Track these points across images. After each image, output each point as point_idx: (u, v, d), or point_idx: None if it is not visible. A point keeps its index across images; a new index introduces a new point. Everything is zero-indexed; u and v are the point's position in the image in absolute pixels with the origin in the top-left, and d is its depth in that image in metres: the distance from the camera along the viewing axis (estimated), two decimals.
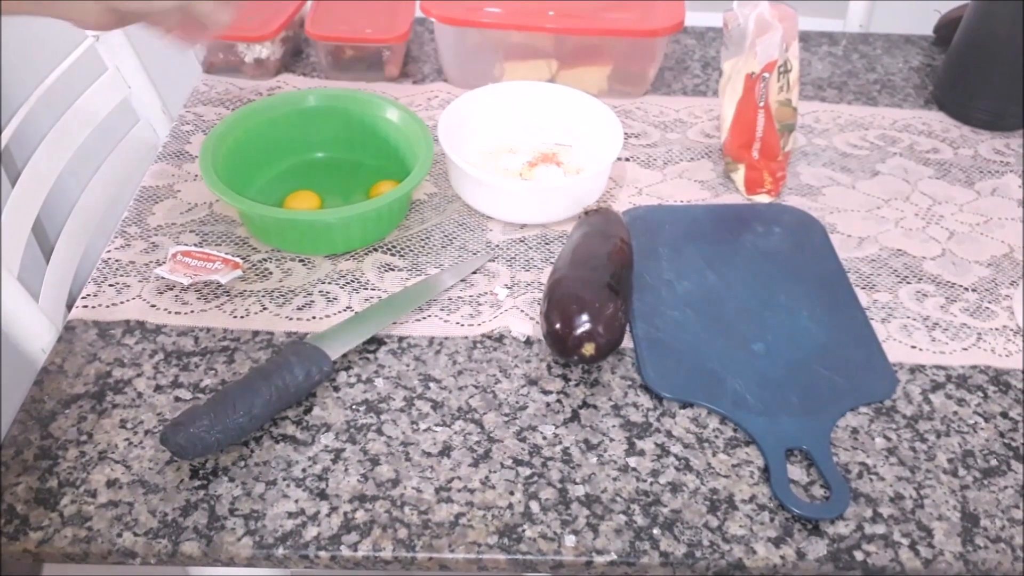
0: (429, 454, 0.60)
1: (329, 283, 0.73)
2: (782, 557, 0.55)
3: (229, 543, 0.54)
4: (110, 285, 0.72)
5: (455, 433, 0.61)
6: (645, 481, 0.59)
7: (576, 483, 0.59)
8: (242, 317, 0.69)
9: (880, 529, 0.57)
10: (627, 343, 0.68)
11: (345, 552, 0.54)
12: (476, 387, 0.65)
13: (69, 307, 0.73)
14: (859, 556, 0.55)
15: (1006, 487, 0.60)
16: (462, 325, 0.69)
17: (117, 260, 0.74)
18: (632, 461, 0.60)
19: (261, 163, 0.83)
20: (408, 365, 0.66)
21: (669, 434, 0.62)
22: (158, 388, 0.64)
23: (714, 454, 0.61)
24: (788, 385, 0.65)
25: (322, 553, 0.54)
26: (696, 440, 0.62)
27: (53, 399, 0.63)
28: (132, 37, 0.98)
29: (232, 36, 0.94)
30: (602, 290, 0.65)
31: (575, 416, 0.63)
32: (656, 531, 0.56)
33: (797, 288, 0.73)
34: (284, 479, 0.58)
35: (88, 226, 0.87)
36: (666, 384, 0.65)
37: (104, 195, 0.89)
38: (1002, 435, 0.63)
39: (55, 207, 0.87)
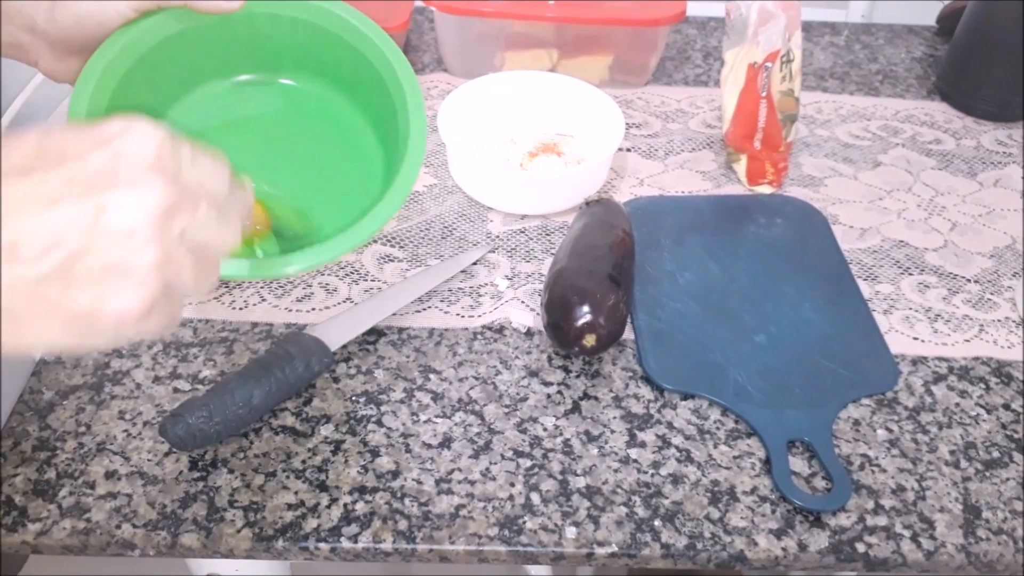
0: (429, 445, 0.60)
1: (328, 274, 0.72)
2: (784, 549, 0.55)
3: (228, 535, 0.54)
4: None
5: (455, 424, 0.61)
6: (646, 473, 0.59)
7: (577, 475, 0.58)
8: (241, 308, 0.69)
9: (882, 521, 0.57)
10: (628, 334, 0.68)
11: (345, 544, 0.54)
12: (476, 378, 0.65)
13: None
14: (861, 548, 0.55)
15: (1008, 479, 0.60)
16: (462, 316, 0.69)
17: None
18: (633, 453, 0.60)
19: (184, 81, 0.57)
20: (408, 356, 0.66)
21: (670, 426, 0.62)
22: (157, 379, 0.63)
23: (715, 446, 0.61)
24: (790, 377, 0.65)
25: (322, 545, 0.54)
26: (697, 432, 0.62)
27: (51, 390, 0.62)
28: None
29: None
30: (603, 281, 0.64)
31: (576, 408, 0.63)
32: (657, 523, 0.56)
33: (799, 279, 0.73)
34: (284, 470, 0.58)
35: None
36: (667, 375, 0.64)
37: None
38: (1004, 427, 0.63)
39: None
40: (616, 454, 0.60)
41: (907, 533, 0.56)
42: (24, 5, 0.50)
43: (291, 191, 0.56)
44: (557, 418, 0.62)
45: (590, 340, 0.63)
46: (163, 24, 0.53)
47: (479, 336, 0.68)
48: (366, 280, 0.72)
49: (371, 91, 0.58)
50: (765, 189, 0.83)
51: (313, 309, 0.69)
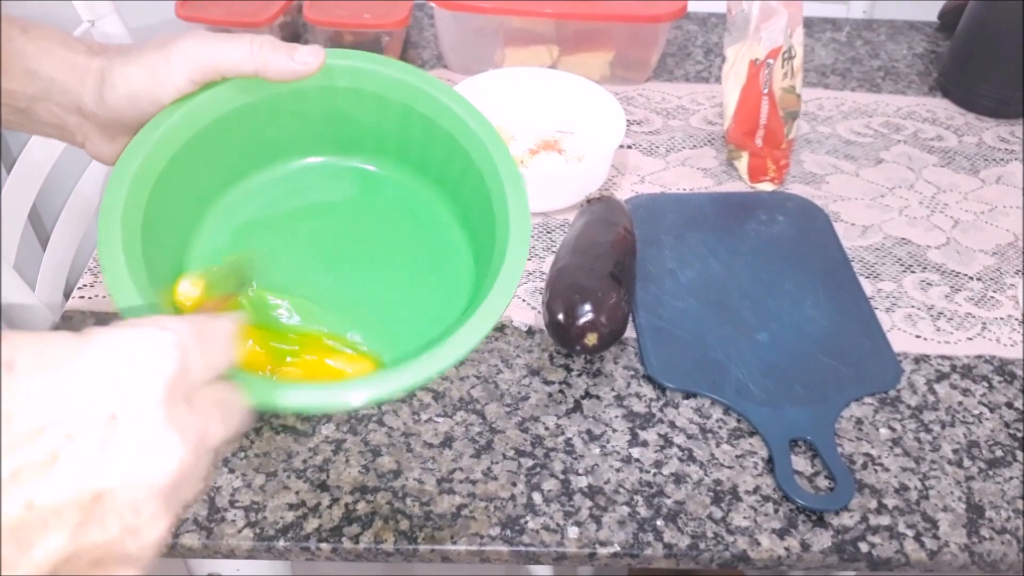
0: (431, 445, 0.60)
1: None
2: (786, 548, 0.55)
3: (229, 535, 0.54)
4: None
5: (456, 424, 0.61)
6: (648, 472, 0.59)
7: (579, 474, 0.58)
8: None
9: (885, 520, 0.57)
10: (630, 333, 0.68)
11: (346, 544, 0.54)
12: (477, 377, 0.64)
13: (66, 296, 0.72)
14: (864, 547, 0.55)
15: (1011, 478, 0.59)
16: None
17: None
18: (635, 452, 0.60)
19: (245, 162, 0.51)
20: None
21: (672, 425, 0.62)
22: None
23: (718, 445, 0.60)
24: (792, 375, 0.64)
25: (323, 545, 0.54)
26: (700, 431, 0.61)
27: None
28: (128, 24, 0.97)
29: (229, 22, 0.93)
30: (605, 279, 0.64)
31: (577, 407, 0.63)
32: (660, 522, 0.56)
33: (801, 277, 0.73)
34: (284, 470, 0.58)
35: (84, 214, 0.86)
36: (669, 374, 0.64)
37: (100, 182, 0.89)
38: (1007, 425, 0.63)
39: (51, 195, 0.86)
40: (618, 453, 0.60)
41: (910, 533, 0.56)
42: (69, 83, 0.44)
43: (361, 290, 0.49)
44: (559, 417, 0.62)
45: (592, 339, 0.62)
46: (225, 97, 0.46)
47: None
48: None
49: (463, 183, 0.49)
50: (766, 186, 0.82)
51: None
